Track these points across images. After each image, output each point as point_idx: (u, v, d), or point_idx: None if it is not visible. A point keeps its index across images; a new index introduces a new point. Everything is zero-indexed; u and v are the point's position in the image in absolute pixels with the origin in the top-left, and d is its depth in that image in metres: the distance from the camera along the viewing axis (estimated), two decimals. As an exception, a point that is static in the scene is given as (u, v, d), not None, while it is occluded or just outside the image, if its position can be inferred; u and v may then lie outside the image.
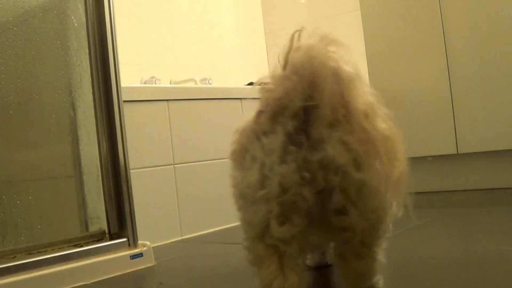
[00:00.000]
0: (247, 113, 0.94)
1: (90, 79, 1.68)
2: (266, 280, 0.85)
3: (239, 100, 2.41)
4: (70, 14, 1.72)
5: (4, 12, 1.60)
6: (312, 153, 0.81)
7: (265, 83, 0.88)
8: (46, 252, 1.49)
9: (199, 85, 2.95)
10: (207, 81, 3.01)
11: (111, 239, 1.64)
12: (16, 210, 1.58)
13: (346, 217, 0.84)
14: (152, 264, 1.64)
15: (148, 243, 1.66)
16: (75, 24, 1.72)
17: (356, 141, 0.81)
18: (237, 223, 2.48)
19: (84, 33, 1.69)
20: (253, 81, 2.89)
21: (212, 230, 2.20)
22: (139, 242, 1.65)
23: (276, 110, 0.83)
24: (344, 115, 0.82)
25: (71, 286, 1.45)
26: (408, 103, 2.56)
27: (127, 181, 1.66)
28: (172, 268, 1.64)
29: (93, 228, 1.71)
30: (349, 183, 0.81)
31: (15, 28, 1.61)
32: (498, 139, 2.35)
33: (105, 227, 1.67)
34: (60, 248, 1.54)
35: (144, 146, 2.01)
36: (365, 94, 0.86)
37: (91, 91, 1.68)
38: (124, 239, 1.63)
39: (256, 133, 0.86)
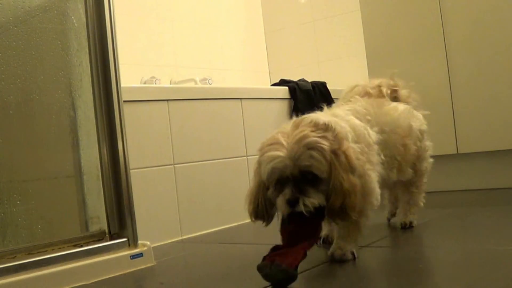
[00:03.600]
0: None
1: (90, 79, 1.68)
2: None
3: (239, 100, 2.41)
4: (70, 14, 1.72)
5: (4, 12, 1.60)
6: None
7: None
8: (46, 252, 1.49)
9: (199, 85, 2.95)
10: (207, 81, 3.01)
11: (111, 239, 1.64)
12: (16, 210, 1.58)
13: None
14: (152, 264, 1.64)
15: (148, 243, 1.66)
16: (75, 24, 1.72)
17: None
18: (236, 223, 2.47)
19: (84, 33, 1.69)
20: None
21: (212, 230, 2.20)
22: (139, 242, 1.65)
23: None
24: None
25: (71, 286, 1.45)
26: (408, 103, 2.56)
27: (127, 181, 1.66)
28: (172, 268, 1.64)
29: (93, 228, 1.71)
30: None
31: (15, 28, 1.61)
32: (498, 139, 2.35)
33: (105, 227, 1.67)
34: (60, 248, 1.54)
35: (144, 146, 2.01)
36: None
37: (91, 91, 1.68)
38: (124, 239, 1.63)
39: None
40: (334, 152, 1.28)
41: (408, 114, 1.68)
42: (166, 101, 2.11)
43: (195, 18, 3.32)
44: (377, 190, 1.40)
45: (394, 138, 1.57)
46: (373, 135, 1.47)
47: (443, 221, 1.87)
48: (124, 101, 1.69)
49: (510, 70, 2.31)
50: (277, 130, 1.36)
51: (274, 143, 1.29)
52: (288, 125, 1.35)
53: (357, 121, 1.46)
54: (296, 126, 1.31)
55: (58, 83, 1.71)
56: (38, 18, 1.67)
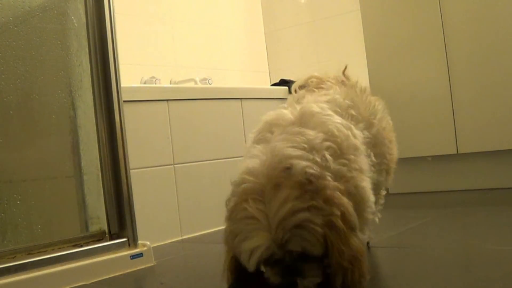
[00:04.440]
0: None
1: (90, 79, 1.68)
2: None
3: (239, 100, 2.41)
4: (70, 14, 1.72)
5: (4, 12, 1.60)
6: None
7: None
8: (46, 252, 1.49)
9: (199, 85, 2.95)
10: (207, 81, 3.01)
11: (111, 239, 1.64)
12: (16, 210, 1.58)
13: None
14: (152, 264, 1.64)
15: (148, 243, 1.66)
16: (75, 24, 1.72)
17: None
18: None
19: (84, 33, 1.69)
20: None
21: (212, 230, 2.20)
22: (139, 242, 1.65)
23: None
24: None
25: (71, 286, 1.45)
26: (408, 103, 2.56)
27: (127, 181, 1.66)
28: (172, 268, 1.64)
29: (93, 228, 1.71)
30: None
31: (15, 28, 1.61)
32: (498, 139, 2.35)
33: (105, 227, 1.67)
34: (60, 248, 1.54)
35: (144, 146, 2.01)
36: None
37: (91, 91, 1.68)
38: (124, 239, 1.63)
39: None
40: (329, 225, 0.96)
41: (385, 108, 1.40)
42: (166, 101, 2.11)
43: (195, 18, 3.32)
44: (371, 198, 1.13)
45: (382, 132, 1.30)
46: (358, 134, 1.18)
47: (443, 221, 1.87)
48: (124, 101, 1.69)
49: (510, 70, 2.31)
50: (240, 177, 1.07)
51: (248, 218, 0.98)
52: (256, 167, 1.05)
53: (337, 119, 1.15)
54: (273, 184, 0.98)
55: (58, 83, 1.71)
56: (38, 18, 1.67)
